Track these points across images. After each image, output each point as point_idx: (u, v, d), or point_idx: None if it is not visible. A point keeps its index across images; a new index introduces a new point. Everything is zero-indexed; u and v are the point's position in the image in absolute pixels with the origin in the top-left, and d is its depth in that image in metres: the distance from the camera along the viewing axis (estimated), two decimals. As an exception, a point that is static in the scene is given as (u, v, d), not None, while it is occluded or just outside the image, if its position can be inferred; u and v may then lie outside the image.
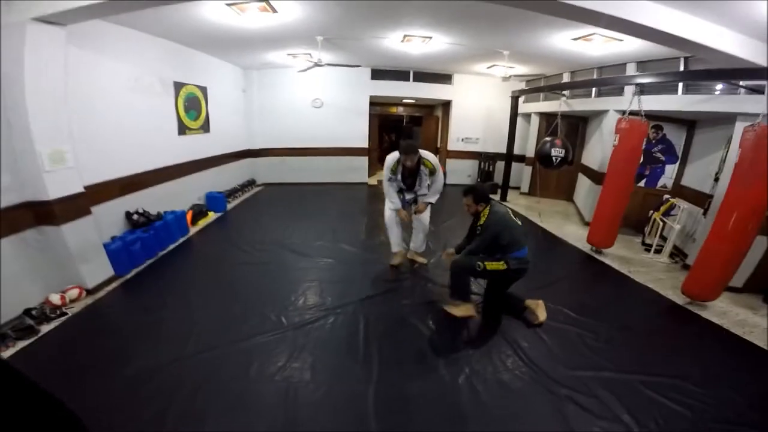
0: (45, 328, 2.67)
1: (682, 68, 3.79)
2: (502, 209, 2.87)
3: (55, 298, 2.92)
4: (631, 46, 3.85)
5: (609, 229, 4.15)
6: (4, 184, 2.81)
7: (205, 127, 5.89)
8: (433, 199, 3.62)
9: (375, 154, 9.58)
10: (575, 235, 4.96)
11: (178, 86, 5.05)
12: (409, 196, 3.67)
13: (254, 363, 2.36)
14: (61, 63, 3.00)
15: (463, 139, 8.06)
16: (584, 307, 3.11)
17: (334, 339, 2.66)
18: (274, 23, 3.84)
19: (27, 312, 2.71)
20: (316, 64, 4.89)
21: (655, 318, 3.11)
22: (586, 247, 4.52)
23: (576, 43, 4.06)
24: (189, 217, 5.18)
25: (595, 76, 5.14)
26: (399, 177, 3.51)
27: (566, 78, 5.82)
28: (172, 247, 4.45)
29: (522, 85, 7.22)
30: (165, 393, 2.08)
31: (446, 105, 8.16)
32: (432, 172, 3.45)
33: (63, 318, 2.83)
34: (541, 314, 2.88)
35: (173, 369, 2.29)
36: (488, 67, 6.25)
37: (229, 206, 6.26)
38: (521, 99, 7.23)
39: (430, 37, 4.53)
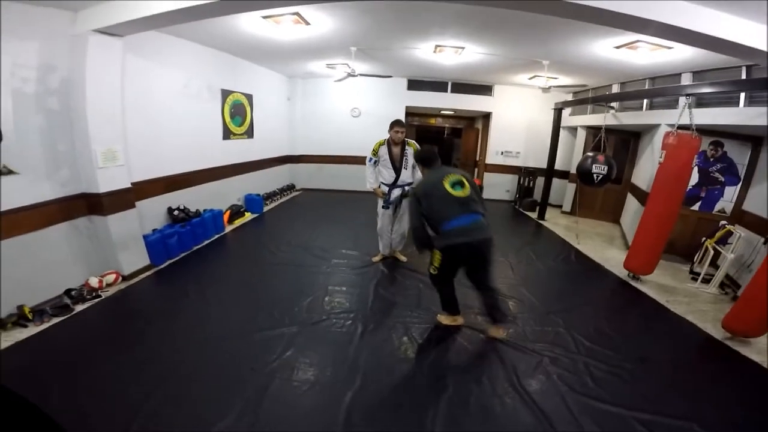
0: (79, 308, 2.98)
1: (743, 77, 3.35)
2: (437, 175, 2.56)
3: (94, 281, 3.26)
4: (683, 54, 3.49)
5: (649, 254, 3.73)
6: (64, 177, 3.21)
7: (249, 133, 6.28)
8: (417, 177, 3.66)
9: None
10: (615, 260, 4.52)
11: (225, 93, 5.47)
12: (395, 194, 3.82)
13: (250, 355, 2.46)
14: (118, 70, 3.39)
15: (502, 153, 7.78)
16: (602, 336, 2.84)
17: (329, 341, 2.67)
18: (308, 35, 4.03)
19: (67, 292, 3.04)
20: (350, 75, 5.03)
21: (682, 351, 2.76)
22: (623, 273, 4.10)
23: (619, 51, 3.77)
24: (226, 216, 5.53)
25: (647, 88, 4.71)
26: (383, 159, 3.75)
27: (615, 89, 5.40)
28: (206, 242, 4.77)
29: (567, 97, 6.83)
30: (163, 376, 2.23)
31: (486, 117, 7.95)
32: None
33: (97, 300, 3.14)
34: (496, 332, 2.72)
35: (179, 354, 2.45)
36: (530, 78, 6.01)
37: (266, 208, 6.58)
38: (566, 112, 6.85)
39: (463, 48, 4.47)
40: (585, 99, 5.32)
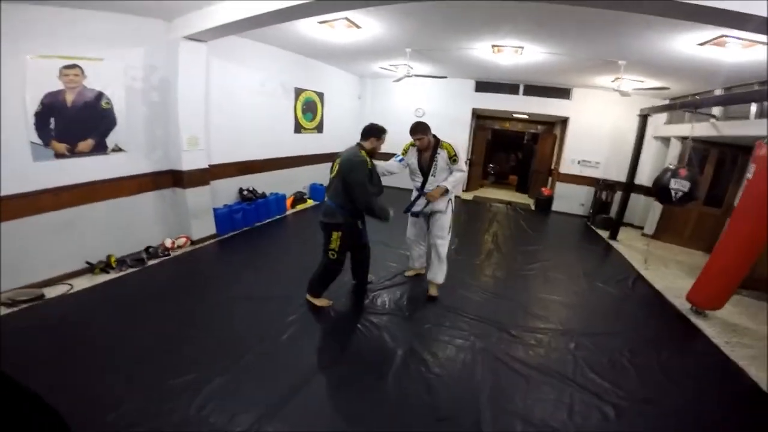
0: (151, 262, 3.73)
1: None
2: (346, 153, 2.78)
3: (168, 242, 4.02)
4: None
5: (721, 286, 3.10)
6: (158, 156, 4.03)
7: (319, 128, 6.87)
8: (450, 186, 3.03)
9: (478, 170, 9.26)
10: (684, 291, 3.83)
11: (298, 91, 6.09)
12: (420, 204, 3.19)
13: (271, 318, 2.87)
14: (203, 70, 4.09)
15: (579, 162, 7.04)
16: (614, 368, 2.53)
17: (338, 326, 2.87)
18: (361, 38, 4.29)
19: (146, 249, 3.82)
20: (406, 75, 5.15)
21: (711, 401, 2.30)
22: (684, 306, 3.48)
23: (703, 48, 3.18)
24: (290, 201, 6.18)
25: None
26: (411, 163, 3.20)
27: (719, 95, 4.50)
28: (267, 221, 5.42)
29: (658, 103, 5.87)
30: (212, 325, 2.75)
31: (564, 122, 7.28)
32: (454, 160, 3.03)
33: (166, 257, 3.89)
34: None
35: (225, 308, 2.98)
36: (612, 81, 5.35)
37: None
38: (660, 120, 5.92)
39: (522, 47, 4.24)
40: (672, 105, 4.55)
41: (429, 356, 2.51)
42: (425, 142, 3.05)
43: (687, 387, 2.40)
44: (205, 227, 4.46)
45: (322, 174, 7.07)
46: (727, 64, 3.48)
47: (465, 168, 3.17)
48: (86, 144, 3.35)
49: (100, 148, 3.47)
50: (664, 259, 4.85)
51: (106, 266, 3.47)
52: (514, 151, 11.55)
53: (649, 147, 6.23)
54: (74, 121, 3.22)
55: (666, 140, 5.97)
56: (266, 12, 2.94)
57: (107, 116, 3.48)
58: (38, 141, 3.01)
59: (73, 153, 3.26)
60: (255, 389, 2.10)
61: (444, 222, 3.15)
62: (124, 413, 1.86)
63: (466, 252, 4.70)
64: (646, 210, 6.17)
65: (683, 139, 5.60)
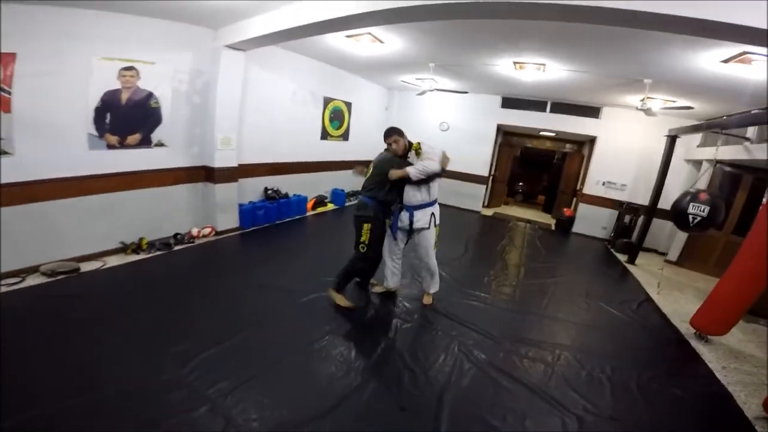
0: (177, 248, 4.10)
1: None
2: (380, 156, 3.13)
3: (194, 231, 4.40)
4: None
5: (725, 312, 2.99)
6: (195, 152, 4.44)
7: (345, 136, 7.20)
8: (413, 173, 2.85)
9: (501, 186, 9.22)
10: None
11: (327, 100, 6.45)
12: (402, 219, 3.07)
13: (275, 305, 3.10)
14: (240, 77, 4.49)
15: (604, 183, 6.88)
16: (589, 383, 2.50)
17: (333, 314, 3.06)
18: (385, 52, 4.57)
19: (175, 235, 4.20)
20: (428, 90, 5.36)
21: (680, 422, 2.27)
22: (689, 331, 3.36)
23: (728, 66, 3.15)
24: (311, 203, 6.48)
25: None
26: None
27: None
28: (287, 220, 5.74)
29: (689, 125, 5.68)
30: (220, 305, 3.03)
31: (593, 142, 7.17)
32: (417, 153, 2.95)
33: (191, 245, 4.25)
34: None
35: (235, 295, 3.23)
36: (641, 100, 5.28)
37: (348, 203, 7.37)
38: (694, 142, 5.73)
39: (543, 64, 4.33)
40: (699, 125, 4.42)
41: (407, 354, 2.62)
42: (401, 144, 2.98)
43: (660, 408, 2.35)
44: (229, 220, 4.82)
45: (344, 180, 7.37)
46: (752, 83, 3.40)
47: (435, 160, 2.90)
48: (134, 138, 3.79)
49: (145, 142, 3.90)
50: (682, 285, 4.65)
51: (137, 248, 3.86)
52: (543, 170, 11.38)
53: (681, 171, 6.02)
54: (126, 117, 3.67)
55: (698, 164, 5.75)
56: (296, 26, 3.28)
57: (155, 114, 3.92)
58: (95, 133, 3.47)
59: (122, 145, 3.71)
60: (241, 362, 2.32)
61: (430, 239, 3.11)
62: (122, 370, 2.13)
63: (470, 263, 4.77)
64: (671, 235, 5.92)
65: (716, 163, 5.40)
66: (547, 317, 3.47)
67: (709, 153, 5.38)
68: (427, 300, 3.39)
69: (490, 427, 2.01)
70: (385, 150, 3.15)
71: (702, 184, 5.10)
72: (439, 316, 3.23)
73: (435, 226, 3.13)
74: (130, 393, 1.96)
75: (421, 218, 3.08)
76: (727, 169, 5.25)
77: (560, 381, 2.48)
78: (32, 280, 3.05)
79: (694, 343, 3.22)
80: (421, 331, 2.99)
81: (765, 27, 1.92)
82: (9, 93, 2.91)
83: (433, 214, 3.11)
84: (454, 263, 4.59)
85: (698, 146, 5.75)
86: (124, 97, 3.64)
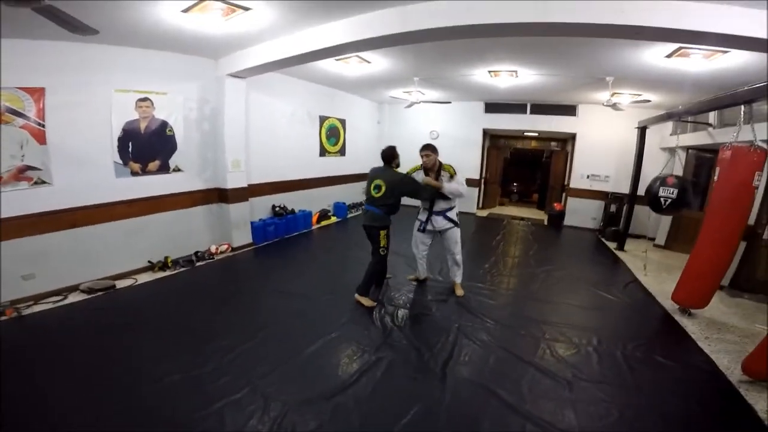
0: (198, 264, 4.46)
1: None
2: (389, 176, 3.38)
3: (213, 248, 4.76)
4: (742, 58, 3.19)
5: (701, 285, 3.32)
6: (208, 176, 4.83)
7: (342, 151, 7.63)
8: (447, 188, 3.44)
9: (494, 188, 9.63)
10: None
11: (323, 119, 6.91)
12: (438, 222, 3.63)
13: (290, 308, 3.46)
14: (243, 103, 4.92)
15: (588, 176, 7.31)
16: (583, 356, 2.78)
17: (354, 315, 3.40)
18: (373, 70, 5.04)
19: (195, 253, 4.56)
20: (413, 102, 5.82)
21: (662, 383, 2.49)
22: (674, 307, 3.67)
23: (671, 60, 3.60)
24: (315, 217, 6.85)
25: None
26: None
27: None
28: (294, 234, 6.10)
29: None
30: (242, 309, 3.39)
31: (574, 139, 7.62)
32: (452, 178, 3.51)
33: (211, 260, 4.61)
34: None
35: (258, 301, 3.60)
36: (611, 95, 5.76)
37: (350, 215, 7.74)
38: (666, 131, 6.19)
39: (515, 71, 4.79)
40: (663, 115, 4.87)
41: (414, 336, 2.98)
42: (432, 159, 3.47)
43: (644, 372, 2.59)
44: (243, 237, 5.19)
45: (344, 193, 7.77)
46: (692, 74, 3.86)
47: (464, 184, 3.58)
48: (154, 164, 4.19)
49: (164, 168, 4.30)
50: (670, 267, 4.99)
51: (163, 265, 4.21)
52: (535, 169, 11.82)
53: (658, 158, 6.44)
54: (146, 145, 4.08)
55: (673, 151, 6.18)
56: (289, 56, 3.74)
57: (170, 141, 4.33)
58: (119, 161, 3.87)
59: (144, 172, 4.10)
60: (270, 352, 2.66)
61: (455, 235, 3.70)
62: (170, 365, 2.45)
63: (467, 257, 5.00)
64: (656, 221, 6.30)
65: (687, 149, 5.85)
66: (539, 300, 3.81)
67: (679, 141, 5.84)
68: (459, 291, 3.82)
69: (490, 391, 2.31)
70: (386, 165, 3.47)
71: (677, 169, 5.53)
72: (440, 303, 3.60)
73: (457, 225, 3.69)
74: (181, 382, 2.28)
75: (448, 221, 3.67)
76: (692, 152, 5.69)
77: (550, 351, 2.81)
78: (74, 297, 3.40)
79: (678, 317, 3.51)
80: (424, 317, 3.35)
81: (684, 28, 2.37)
82: (43, 126, 3.30)
83: (456, 217, 3.70)
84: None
85: (670, 135, 6.19)
86: (143, 126, 4.04)
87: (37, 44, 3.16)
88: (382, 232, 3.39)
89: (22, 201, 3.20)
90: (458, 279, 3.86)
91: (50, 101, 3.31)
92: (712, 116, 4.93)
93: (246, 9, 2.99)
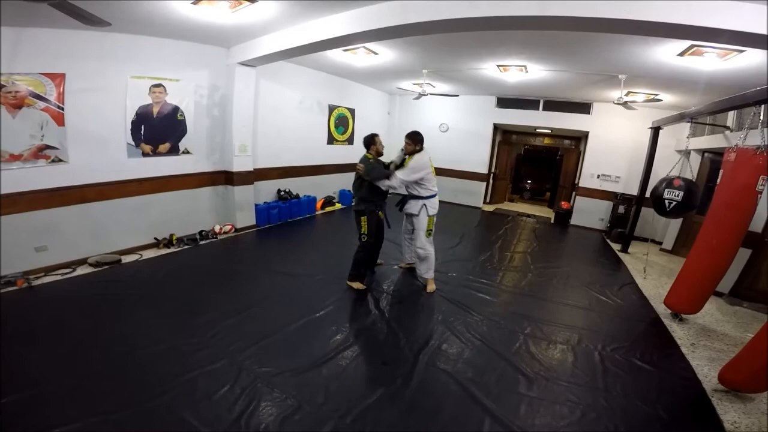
0: (202, 242, 4.67)
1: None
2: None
3: (217, 228, 4.96)
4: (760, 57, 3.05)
5: (694, 290, 3.25)
6: (216, 159, 5.01)
7: (350, 140, 7.70)
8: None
9: (503, 183, 9.52)
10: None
11: (332, 108, 6.98)
12: (408, 205, 3.68)
13: (284, 286, 3.59)
14: (252, 90, 5.06)
15: (599, 176, 7.14)
16: (556, 353, 2.81)
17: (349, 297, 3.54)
18: (380, 62, 5.05)
19: (200, 232, 4.76)
20: (421, 94, 5.80)
21: (630, 387, 2.46)
22: (667, 312, 3.61)
23: (684, 59, 3.48)
24: (320, 203, 7.00)
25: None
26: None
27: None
28: (298, 218, 6.26)
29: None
30: (237, 285, 3.58)
31: (586, 137, 7.44)
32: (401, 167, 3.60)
33: (214, 240, 4.82)
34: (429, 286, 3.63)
35: (257, 279, 3.76)
36: (626, 94, 5.58)
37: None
38: (684, 133, 5.95)
39: (524, 66, 4.71)
40: (676, 116, 4.70)
41: (395, 322, 3.07)
42: (409, 148, 3.59)
43: (617, 375, 2.57)
44: (246, 219, 5.37)
45: (350, 181, 7.78)
46: (706, 73, 3.72)
47: (406, 175, 3.46)
48: (165, 147, 4.39)
49: (174, 150, 4.50)
50: (672, 272, 4.84)
51: (168, 242, 4.43)
52: (548, 166, 11.58)
53: (672, 161, 6.22)
54: (157, 128, 4.27)
55: (688, 154, 5.96)
56: (296, 46, 3.82)
57: (181, 125, 4.51)
58: (132, 143, 4.07)
59: (154, 153, 4.30)
60: (254, 327, 2.82)
61: (419, 224, 3.60)
62: (159, 335, 2.64)
63: (462, 252, 5.16)
64: (665, 224, 6.12)
65: (703, 152, 5.64)
66: (527, 296, 3.84)
67: (695, 143, 5.63)
68: (429, 287, 3.70)
69: (457, 381, 2.37)
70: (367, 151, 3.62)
71: (689, 172, 5.34)
72: (424, 291, 3.68)
73: (428, 216, 3.60)
74: (166, 351, 2.45)
75: (414, 206, 3.63)
76: (708, 156, 5.47)
77: (526, 346, 2.85)
78: (81, 270, 3.64)
79: (668, 322, 3.46)
80: (409, 304, 3.45)
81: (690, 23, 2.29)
82: (62, 109, 3.51)
83: (425, 205, 3.59)
84: (447, 252, 4.97)
85: (687, 137, 5.95)
86: (155, 110, 4.23)
87: (59, 33, 3.35)
88: (362, 218, 3.49)
89: (40, 177, 3.44)
90: (425, 274, 3.69)
91: (70, 86, 3.52)
92: (730, 119, 4.73)
93: (252, 1, 3.08)
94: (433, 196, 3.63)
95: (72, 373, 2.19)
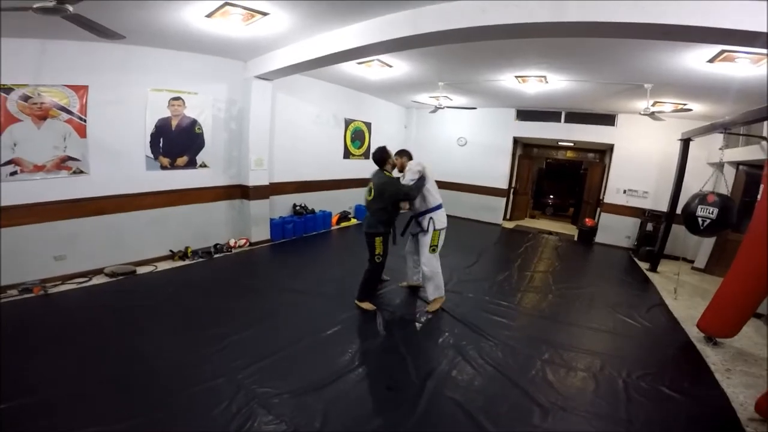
0: (217, 256, 4.71)
1: None
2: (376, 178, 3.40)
3: (232, 242, 5.00)
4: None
5: (732, 313, 2.97)
6: (233, 173, 5.09)
7: (366, 154, 7.70)
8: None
9: (524, 199, 9.24)
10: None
11: (348, 121, 7.03)
12: (413, 224, 3.63)
13: (293, 302, 3.57)
14: (269, 104, 5.15)
15: (625, 191, 6.79)
16: (574, 382, 2.57)
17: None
18: (395, 75, 5.05)
19: (215, 245, 4.81)
20: (437, 107, 5.75)
21: (658, 428, 2.20)
22: (700, 335, 3.31)
23: (714, 65, 3.27)
24: (335, 218, 6.98)
25: None
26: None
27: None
28: (313, 233, 6.25)
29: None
30: (250, 300, 3.54)
31: (611, 150, 7.13)
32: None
33: (228, 253, 4.85)
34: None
35: (268, 294, 3.73)
36: (652, 104, 5.34)
37: (371, 217, 7.78)
38: (716, 144, 5.60)
39: (544, 76, 4.59)
40: (706, 127, 4.42)
41: (404, 345, 2.90)
42: (400, 162, 3.59)
43: (642, 405, 2.35)
44: (261, 233, 5.40)
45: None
46: (738, 80, 3.48)
47: (408, 178, 3.39)
48: (182, 160, 4.49)
49: (191, 164, 4.60)
50: (706, 292, 4.49)
51: (183, 255, 4.49)
52: (571, 181, 11.20)
53: (704, 175, 5.85)
54: (176, 141, 4.38)
55: (721, 167, 5.58)
56: (309, 59, 3.87)
57: (199, 139, 4.62)
58: (151, 155, 4.18)
59: (172, 166, 4.41)
60: (261, 344, 2.75)
61: (425, 241, 3.45)
62: (166, 347, 2.62)
63: (478, 271, 4.92)
64: (698, 241, 5.70)
65: (737, 165, 5.28)
66: (546, 318, 3.60)
67: (729, 155, 5.27)
68: (429, 307, 3.53)
69: (463, 410, 2.19)
70: (379, 168, 3.49)
71: (722, 186, 4.99)
72: (439, 314, 3.50)
73: (434, 230, 3.44)
74: (170, 364, 2.42)
75: (421, 222, 3.50)
76: (742, 168, 5.11)
77: (542, 374, 2.63)
78: (97, 280, 3.71)
79: (701, 346, 3.18)
80: (421, 325, 3.31)
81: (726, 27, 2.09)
82: (85, 121, 3.64)
83: (431, 218, 3.44)
84: (463, 271, 4.78)
85: (720, 149, 5.60)
86: (174, 123, 4.35)
87: (84, 45, 3.48)
88: (377, 239, 3.36)
89: (61, 188, 3.57)
90: (432, 295, 3.51)
91: (92, 98, 3.65)
92: (766, 129, 4.42)
93: (264, 14, 3.14)
94: (439, 207, 3.50)
95: (76, 382, 2.18)
